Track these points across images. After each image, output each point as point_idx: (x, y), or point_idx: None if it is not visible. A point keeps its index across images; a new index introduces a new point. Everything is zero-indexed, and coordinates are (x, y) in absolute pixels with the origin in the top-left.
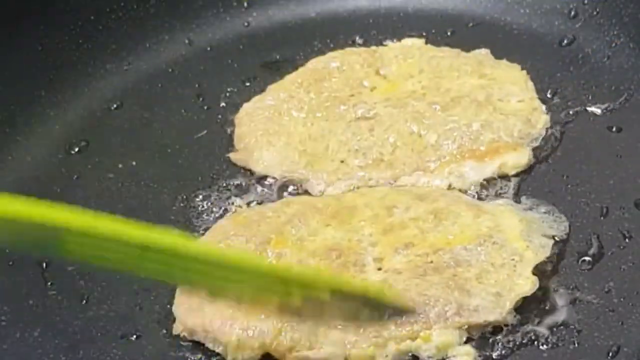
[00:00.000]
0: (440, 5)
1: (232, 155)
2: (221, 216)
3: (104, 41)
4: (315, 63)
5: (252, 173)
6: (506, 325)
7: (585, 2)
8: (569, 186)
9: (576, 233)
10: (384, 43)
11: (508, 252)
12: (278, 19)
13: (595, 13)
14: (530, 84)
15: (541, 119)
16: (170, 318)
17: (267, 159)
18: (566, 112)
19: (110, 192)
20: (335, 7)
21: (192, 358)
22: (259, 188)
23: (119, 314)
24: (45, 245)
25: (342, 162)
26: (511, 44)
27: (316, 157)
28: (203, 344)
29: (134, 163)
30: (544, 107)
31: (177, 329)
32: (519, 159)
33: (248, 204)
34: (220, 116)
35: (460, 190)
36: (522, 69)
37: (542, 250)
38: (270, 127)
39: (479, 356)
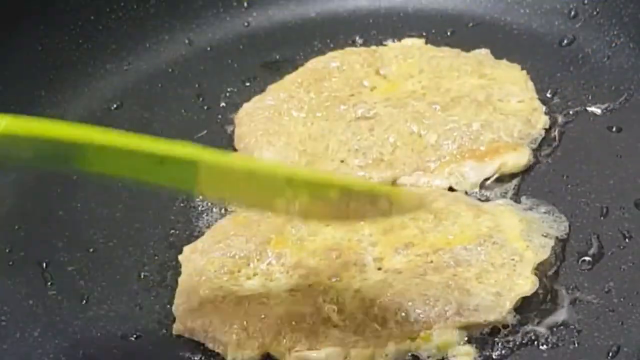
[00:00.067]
0: (440, 5)
1: None
2: (221, 216)
3: (104, 41)
4: (315, 63)
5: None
6: (506, 326)
7: (585, 2)
8: (569, 186)
9: (576, 233)
10: (384, 43)
11: (508, 252)
12: (278, 19)
13: (595, 13)
14: (530, 84)
15: (541, 119)
16: (170, 318)
17: (267, 159)
18: (566, 112)
19: (110, 192)
20: (335, 7)
21: (192, 358)
22: None
23: (119, 314)
24: (65, 160)
25: (342, 162)
26: (511, 44)
27: (316, 157)
28: (203, 344)
29: None
30: (544, 107)
31: (177, 329)
32: (519, 159)
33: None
34: (220, 116)
35: (460, 191)
36: (522, 69)
37: (542, 250)
38: (270, 127)
39: (479, 356)
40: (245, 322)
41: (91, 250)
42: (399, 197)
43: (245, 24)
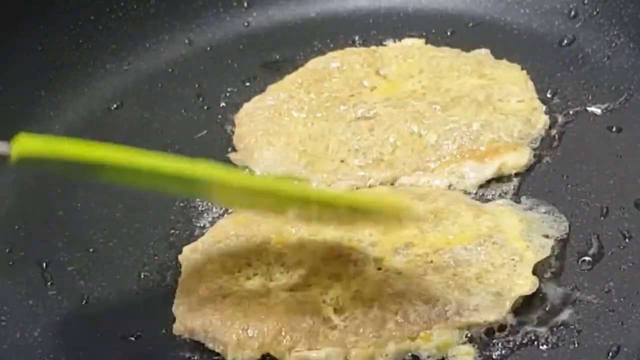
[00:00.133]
0: (440, 5)
1: (232, 155)
2: (221, 216)
3: (104, 41)
4: (315, 63)
5: (252, 173)
6: (505, 326)
7: (585, 2)
8: (569, 186)
9: (576, 233)
10: (384, 43)
11: (508, 252)
12: (278, 19)
13: (595, 13)
14: (530, 84)
15: (541, 119)
16: (170, 318)
17: (267, 159)
18: (566, 112)
19: (110, 192)
20: (335, 7)
21: (192, 358)
22: None
23: (119, 314)
24: (82, 174)
25: (342, 162)
26: (511, 44)
27: (316, 157)
28: (203, 344)
29: None
30: (544, 107)
31: (177, 329)
32: (519, 159)
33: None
34: (220, 116)
35: (460, 191)
36: (522, 69)
37: (542, 250)
38: (270, 127)
39: (479, 356)
40: (245, 322)
41: (91, 250)
42: (404, 212)
43: (245, 24)
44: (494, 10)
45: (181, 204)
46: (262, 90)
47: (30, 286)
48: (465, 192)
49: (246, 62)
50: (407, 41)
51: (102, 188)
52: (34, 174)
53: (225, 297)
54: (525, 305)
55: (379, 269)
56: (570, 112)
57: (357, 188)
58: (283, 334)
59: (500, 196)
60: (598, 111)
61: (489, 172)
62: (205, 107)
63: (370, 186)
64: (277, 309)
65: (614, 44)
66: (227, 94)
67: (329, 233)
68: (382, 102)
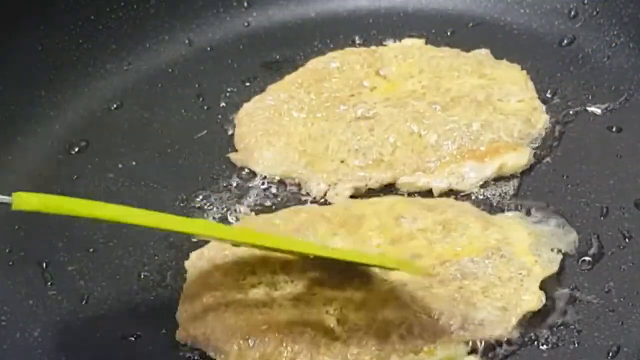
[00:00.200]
0: (440, 5)
1: (232, 155)
2: (221, 216)
3: (104, 41)
4: (315, 63)
5: (252, 173)
6: (509, 341)
7: (585, 2)
8: (569, 186)
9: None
10: (384, 43)
11: (516, 266)
12: (278, 19)
13: (595, 13)
14: (530, 84)
15: (541, 119)
16: (170, 318)
17: (267, 159)
18: (566, 112)
19: (110, 192)
20: (335, 7)
21: (192, 358)
22: (259, 188)
23: (119, 314)
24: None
25: (342, 162)
26: (511, 44)
27: (316, 157)
28: None
29: (134, 163)
30: (544, 107)
31: (179, 335)
32: (519, 159)
33: (256, 213)
34: (220, 116)
35: (460, 191)
36: (522, 69)
37: (550, 266)
38: (270, 127)
39: (480, 356)
40: (247, 332)
41: (91, 250)
42: (406, 269)
43: (245, 24)
44: (494, 10)
45: (181, 204)
46: (262, 90)
47: (30, 286)
48: (466, 193)
49: (246, 62)
50: (407, 41)
51: (102, 188)
52: (34, 173)
53: (228, 305)
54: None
55: (385, 280)
56: (570, 112)
57: (357, 188)
58: (284, 344)
59: (500, 196)
60: (598, 111)
61: (489, 172)
62: (205, 107)
63: (370, 187)
64: (280, 319)
65: (614, 44)
66: (227, 94)
67: (337, 242)
68: (382, 102)
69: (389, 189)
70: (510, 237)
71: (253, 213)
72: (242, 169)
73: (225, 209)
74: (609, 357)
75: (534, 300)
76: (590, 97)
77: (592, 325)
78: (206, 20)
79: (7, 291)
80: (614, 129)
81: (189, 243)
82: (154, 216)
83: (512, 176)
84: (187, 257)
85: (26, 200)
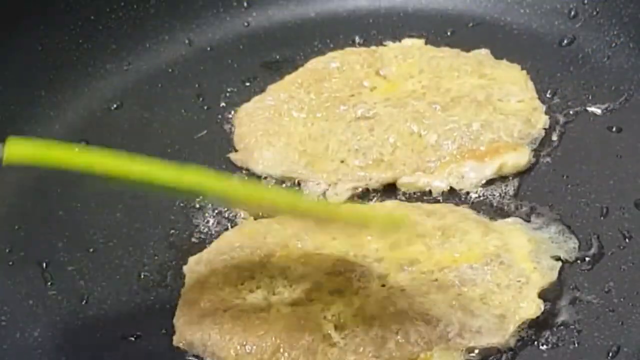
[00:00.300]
0: (440, 5)
1: (232, 155)
2: (221, 216)
3: (104, 41)
4: (315, 63)
5: (252, 173)
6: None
7: (585, 2)
8: (569, 186)
9: (576, 233)
10: (384, 43)
11: (515, 273)
12: (278, 19)
13: (595, 13)
14: (530, 84)
15: (541, 119)
16: (170, 318)
17: (267, 159)
18: (566, 112)
19: (110, 192)
20: (335, 7)
21: (192, 358)
22: None
23: (119, 314)
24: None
25: (342, 162)
26: (511, 44)
27: (316, 157)
28: None
29: None
30: (544, 107)
31: (177, 341)
32: (519, 159)
33: (255, 218)
34: (220, 116)
35: (460, 191)
36: (522, 69)
37: (549, 273)
38: (270, 127)
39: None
40: (244, 338)
41: (91, 250)
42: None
43: (245, 24)
44: (494, 10)
45: (181, 204)
46: (262, 90)
47: (30, 286)
48: (467, 193)
49: (246, 62)
50: (407, 41)
51: (102, 188)
52: (34, 174)
53: (226, 310)
54: None
55: (383, 285)
56: (570, 112)
57: (357, 189)
58: (281, 350)
59: (500, 196)
60: (598, 111)
61: (489, 172)
62: (205, 107)
63: (370, 188)
64: (277, 325)
65: (614, 44)
66: (227, 94)
67: (335, 247)
68: (382, 102)
69: (389, 189)
70: (510, 243)
71: (252, 218)
72: (242, 168)
73: (225, 209)
74: (609, 357)
75: (532, 308)
76: (590, 97)
77: (592, 325)
78: (206, 20)
79: (7, 291)
80: (614, 129)
81: (189, 243)
82: (152, 167)
83: (512, 176)
84: (187, 256)
85: (18, 150)
